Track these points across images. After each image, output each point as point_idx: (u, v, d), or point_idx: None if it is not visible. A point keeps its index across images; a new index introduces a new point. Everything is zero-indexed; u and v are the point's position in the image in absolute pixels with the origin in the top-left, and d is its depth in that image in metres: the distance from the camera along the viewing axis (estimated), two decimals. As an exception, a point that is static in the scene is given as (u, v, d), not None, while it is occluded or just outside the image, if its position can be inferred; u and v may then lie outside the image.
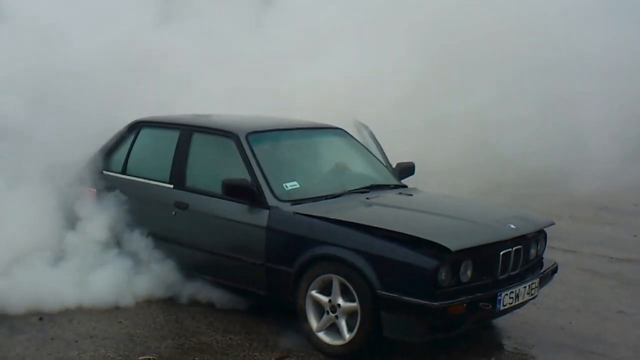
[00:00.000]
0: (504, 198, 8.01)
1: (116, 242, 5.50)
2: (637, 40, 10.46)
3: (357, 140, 5.89)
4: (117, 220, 5.46)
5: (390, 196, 5.14)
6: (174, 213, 5.22)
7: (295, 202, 4.78)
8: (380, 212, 4.74)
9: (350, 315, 4.37)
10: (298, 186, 4.95)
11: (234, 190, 4.81)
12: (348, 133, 5.85)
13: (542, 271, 4.86)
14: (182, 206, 5.19)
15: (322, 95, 7.89)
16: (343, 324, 4.40)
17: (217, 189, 4.92)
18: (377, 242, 4.30)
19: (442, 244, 4.09)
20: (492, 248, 4.37)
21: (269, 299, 4.86)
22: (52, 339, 4.65)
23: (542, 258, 5.02)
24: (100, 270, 5.32)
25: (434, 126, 8.90)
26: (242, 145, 5.04)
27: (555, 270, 5.07)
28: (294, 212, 4.68)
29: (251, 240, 4.81)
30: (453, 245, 4.10)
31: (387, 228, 4.33)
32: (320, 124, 5.78)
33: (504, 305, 4.38)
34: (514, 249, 4.49)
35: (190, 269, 5.21)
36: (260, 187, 4.83)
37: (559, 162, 9.72)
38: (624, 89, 10.33)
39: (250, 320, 5.03)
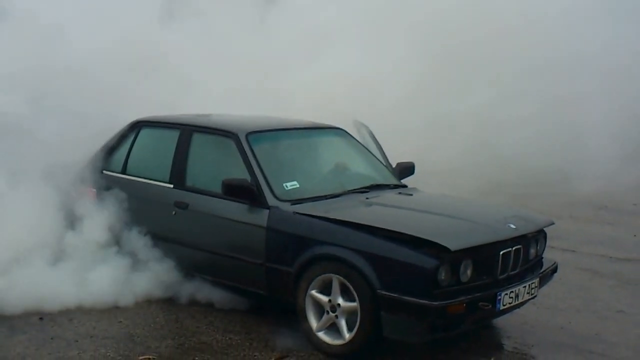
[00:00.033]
0: (504, 198, 8.01)
1: (116, 241, 5.50)
2: (637, 40, 10.45)
3: (357, 140, 5.90)
4: (117, 220, 5.46)
5: (390, 196, 5.15)
6: (174, 213, 5.23)
7: (295, 202, 4.79)
8: (380, 212, 4.74)
9: (350, 315, 4.38)
10: (298, 186, 4.95)
11: (234, 190, 4.82)
12: (348, 133, 5.85)
13: (541, 271, 4.87)
14: (182, 206, 5.19)
15: (322, 95, 7.89)
16: (343, 323, 4.41)
17: (217, 188, 4.92)
18: (377, 241, 4.30)
19: (442, 243, 4.10)
20: (491, 248, 4.38)
21: (269, 299, 4.86)
22: (52, 339, 4.65)
23: (542, 258, 5.03)
24: (101, 270, 5.33)
25: (434, 126, 8.89)
26: (242, 145, 5.04)
27: (555, 270, 5.07)
28: (293, 212, 4.68)
29: (251, 240, 4.81)
30: (453, 245, 4.11)
31: (387, 228, 4.33)
32: (320, 123, 5.79)
33: (503, 305, 4.38)
34: (514, 248, 4.50)
35: (190, 269, 5.21)
36: (260, 186, 4.83)
37: (559, 162, 9.71)
38: (624, 89, 10.31)
39: (250, 320, 5.03)
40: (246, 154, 4.99)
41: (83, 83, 6.34)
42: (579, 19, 9.89)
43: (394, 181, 5.58)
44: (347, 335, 4.38)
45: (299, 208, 4.71)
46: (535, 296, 4.74)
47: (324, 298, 4.47)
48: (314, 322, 4.53)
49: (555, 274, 5.11)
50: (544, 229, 4.94)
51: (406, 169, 5.82)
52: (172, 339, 4.71)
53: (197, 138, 5.36)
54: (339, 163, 5.54)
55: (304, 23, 9.03)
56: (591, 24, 9.89)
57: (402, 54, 9.03)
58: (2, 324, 4.84)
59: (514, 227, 4.56)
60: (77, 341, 4.63)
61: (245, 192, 4.82)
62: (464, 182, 8.29)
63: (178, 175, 5.32)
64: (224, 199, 4.92)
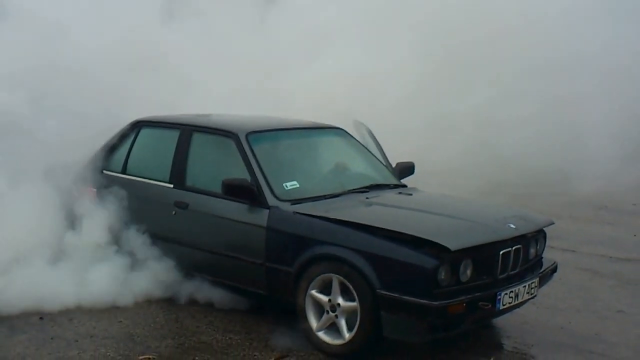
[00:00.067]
0: (504, 198, 8.01)
1: (116, 241, 5.50)
2: (637, 40, 10.45)
3: (356, 140, 5.90)
4: (117, 220, 5.46)
5: (390, 196, 5.15)
6: (174, 213, 5.23)
7: (295, 201, 4.79)
8: (380, 212, 4.74)
9: (350, 315, 4.38)
10: (298, 186, 4.96)
11: (234, 190, 4.82)
12: (348, 133, 5.86)
13: (541, 271, 4.87)
14: (182, 206, 5.19)
15: (322, 95, 7.90)
16: (343, 323, 4.41)
17: (217, 188, 4.92)
18: (376, 241, 4.30)
19: (442, 243, 4.10)
20: (491, 247, 4.38)
21: (269, 299, 4.87)
22: (52, 339, 4.65)
23: (542, 257, 5.03)
24: (101, 270, 5.32)
25: (434, 126, 8.90)
26: (242, 145, 5.05)
27: (554, 270, 5.07)
28: (293, 212, 4.68)
29: (251, 240, 4.81)
30: (453, 244, 4.11)
31: (387, 228, 4.33)
32: (320, 123, 5.79)
33: (503, 305, 4.38)
34: (514, 248, 4.50)
35: (190, 269, 5.21)
36: (260, 186, 4.84)
37: (559, 162, 9.71)
38: (624, 89, 10.32)
39: (250, 319, 5.03)
40: (246, 153, 5.00)
41: (83, 83, 6.35)
42: (579, 19, 9.90)
43: (393, 181, 5.59)
44: (347, 335, 4.38)
45: (299, 208, 4.72)
46: (535, 296, 4.74)
47: (324, 298, 4.47)
48: (313, 322, 4.53)
49: (555, 274, 5.11)
50: (544, 228, 4.95)
51: (406, 169, 5.82)
52: (172, 338, 4.71)
53: (197, 138, 5.36)
54: (339, 163, 5.54)
55: (304, 23, 9.04)
56: (591, 24, 9.89)
57: (402, 53, 9.04)
58: (2, 324, 4.84)
59: (514, 227, 4.57)
60: (77, 341, 4.63)
61: (245, 192, 4.82)
62: (464, 182, 8.29)
63: (178, 175, 5.32)
64: (224, 198, 4.92)
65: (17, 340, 4.62)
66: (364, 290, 4.27)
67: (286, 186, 4.90)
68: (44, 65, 6.27)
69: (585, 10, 9.94)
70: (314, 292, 4.50)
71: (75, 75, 6.33)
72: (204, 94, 7.08)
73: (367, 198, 4.99)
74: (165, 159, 5.43)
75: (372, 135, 6.12)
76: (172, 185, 5.33)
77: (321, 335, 4.51)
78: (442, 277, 4.14)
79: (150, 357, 4.42)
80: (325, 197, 4.92)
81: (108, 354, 4.45)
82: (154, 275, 5.28)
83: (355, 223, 4.43)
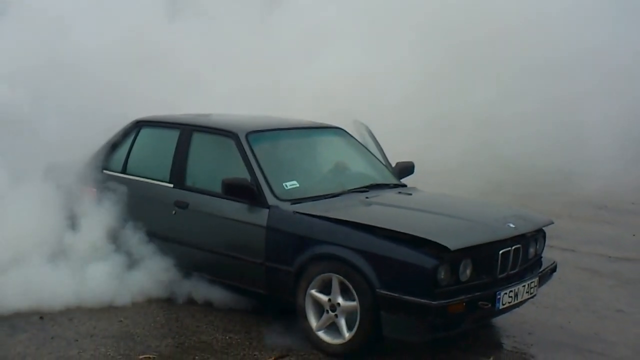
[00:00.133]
0: (504, 198, 8.01)
1: (116, 241, 5.51)
2: (637, 40, 10.47)
3: (356, 140, 5.90)
4: (117, 220, 5.47)
5: (390, 195, 5.15)
6: (174, 212, 5.23)
7: (295, 201, 4.79)
8: (380, 212, 4.75)
9: (350, 314, 4.38)
10: (298, 185, 4.96)
11: (234, 190, 4.82)
12: (348, 132, 5.86)
13: (541, 270, 4.87)
14: (182, 205, 5.20)
15: (322, 94, 7.91)
16: (342, 323, 4.41)
17: (217, 188, 4.93)
18: (376, 241, 4.30)
19: (442, 243, 4.10)
20: (491, 247, 4.38)
21: (268, 298, 4.87)
22: (52, 338, 4.66)
23: (541, 257, 5.03)
24: (101, 270, 5.32)
25: (434, 126, 8.92)
26: (242, 144, 5.05)
27: (554, 269, 5.08)
28: (293, 212, 4.69)
29: (251, 240, 4.81)
30: (452, 244, 4.11)
31: (387, 227, 4.33)
32: (320, 123, 5.79)
33: (503, 304, 4.38)
34: (513, 248, 4.50)
35: (190, 268, 5.21)
36: (260, 186, 4.84)
37: (559, 162, 9.73)
38: (624, 89, 10.34)
39: (250, 319, 5.04)
40: (246, 153, 5.00)
41: (84, 82, 6.36)
42: (579, 19, 9.92)
43: (393, 181, 5.59)
44: (347, 335, 4.38)
45: (298, 207, 4.72)
46: (534, 295, 4.75)
47: (323, 297, 4.48)
48: (313, 322, 4.53)
49: (555, 274, 5.11)
50: (543, 228, 4.95)
51: (406, 169, 5.82)
52: (172, 338, 4.71)
53: (197, 138, 5.36)
54: (338, 162, 5.55)
55: (305, 23, 9.05)
56: (591, 24, 9.91)
57: (402, 53, 9.05)
58: (2, 323, 4.84)
59: (514, 226, 4.57)
60: (77, 340, 4.63)
61: (245, 192, 4.82)
62: (464, 182, 8.31)
63: (178, 174, 5.33)
64: (224, 198, 4.93)
65: (17, 339, 4.62)
66: (363, 289, 4.27)
67: (286, 186, 4.90)
68: (44, 65, 6.28)
69: (585, 10, 9.97)
70: (313, 291, 4.50)
71: (75, 74, 6.34)
72: (205, 93, 7.08)
73: (366, 198, 4.99)
74: (166, 159, 5.43)
75: (372, 135, 6.12)
76: (172, 185, 5.33)
77: (321, 334, 4.51)
78: (442, 276, 4.14)
79: (151, 356, 4.42)
80: (325, 196, 4.92)
81: (108, 353, 4.45)
82: (154, 274, 5.28)
83: (355, 223, 4.43)
